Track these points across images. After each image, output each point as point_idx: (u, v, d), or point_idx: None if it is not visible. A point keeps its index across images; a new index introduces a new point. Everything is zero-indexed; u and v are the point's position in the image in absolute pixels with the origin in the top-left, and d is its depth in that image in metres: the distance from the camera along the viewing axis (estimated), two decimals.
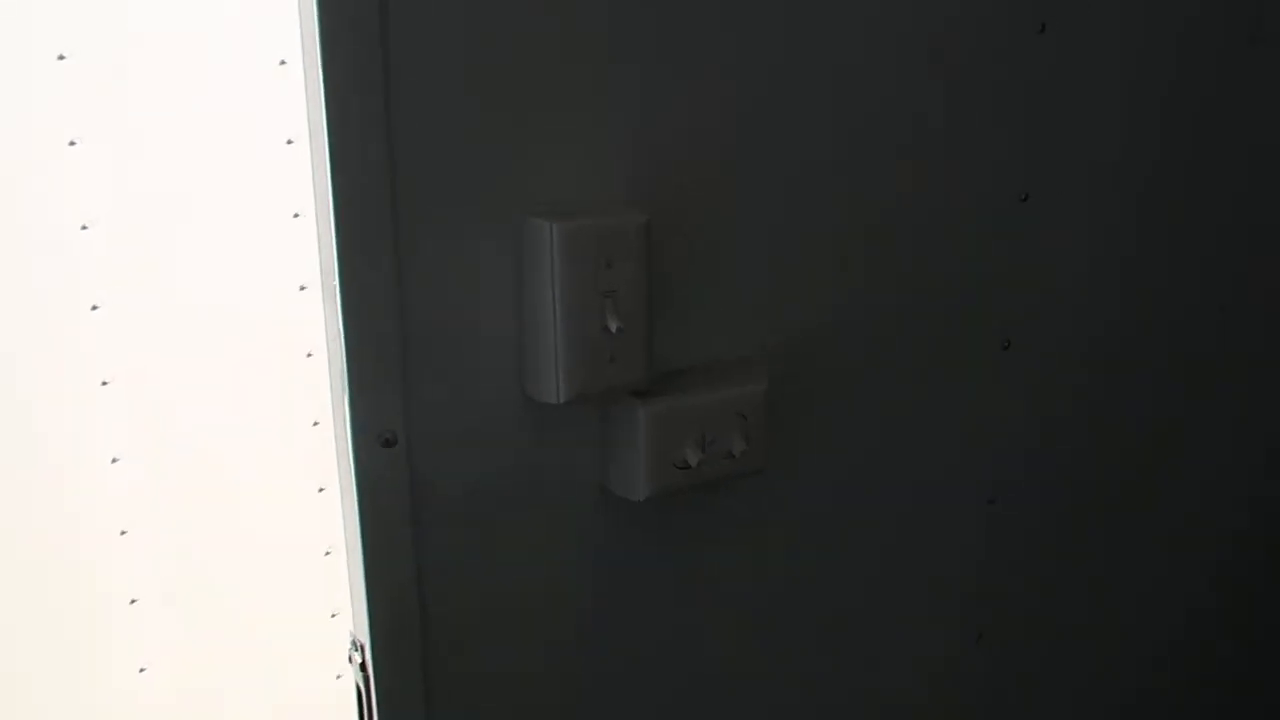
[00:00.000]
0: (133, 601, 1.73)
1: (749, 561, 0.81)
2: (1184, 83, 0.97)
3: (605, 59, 0.65)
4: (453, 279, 0.63)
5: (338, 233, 0.58)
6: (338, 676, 1.94)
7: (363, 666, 0.66)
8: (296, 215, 1.72)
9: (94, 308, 1.62)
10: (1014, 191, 0.89)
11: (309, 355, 1.77)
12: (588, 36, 0.65)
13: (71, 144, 1.55)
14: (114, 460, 1.68)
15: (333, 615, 1.91)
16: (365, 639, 0.65)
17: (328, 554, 1.89)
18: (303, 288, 1.74)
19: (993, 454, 0.94)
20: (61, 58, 1.52)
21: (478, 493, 0.66)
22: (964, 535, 0.94)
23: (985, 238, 0.88)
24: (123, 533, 1.70)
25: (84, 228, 1.58)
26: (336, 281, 0.59)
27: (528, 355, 0.65)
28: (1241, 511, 1.18)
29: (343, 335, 0.59)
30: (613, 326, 0.63)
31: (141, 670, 1.76)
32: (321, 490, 1.85)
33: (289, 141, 1.68)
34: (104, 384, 1.64)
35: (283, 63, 1.66)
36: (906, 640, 0.94)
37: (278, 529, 1.82)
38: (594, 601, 0.73)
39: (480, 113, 0.62)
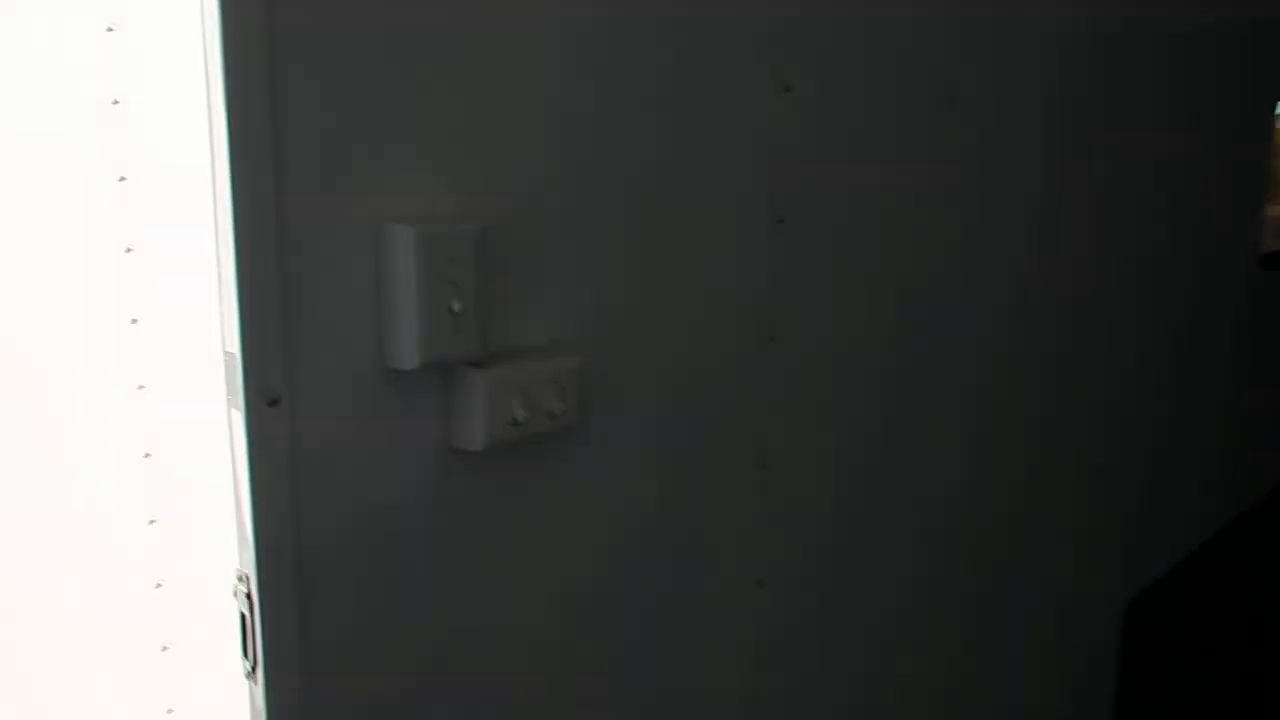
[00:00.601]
0: None
1: (566, 505, 0.99)
2: (901, 131, 1.25)
3: (448, 104, 0.84)
4: (327, 273, 0.79)
5: (236, 237, 0.73)
6: (169, 710, 1.95)
7: (248, 596, 0.79)
8: (129, 250, 1.77)
9: None
10: (770, 216, 1.13)
11: (140, 388, 1.81)
12: (432, 93, 0.83)
13: None
14: None
15: (164, 649, 1.92)
16: (251, 571, 0.78)
17: (159, 586, 1.90)
18: (134, 321, 1.79)
19: (764, 427, 1.17)
20: None
21: (345, 444, 0.81)
22: (741, 494, 1.16)
23: (745, 254, 1.11)
24: None
25: None
26: (233, 274, 0.74)
27: (387, 331, 0.81)
28: (969, 487, 1.46)
29: (237, 316, 0.74)
30: (455, 307, 0.81)
31: None
32: (152, 522, 1.87)
33: (122, 179, 1.74)
34: None
35: (116, 103, 1.72)
36: (696, 583, 1.14)
37: (107, 562, 1.83)
38: (441, 534, 0.89)
39: (347, 146, 0.79)
